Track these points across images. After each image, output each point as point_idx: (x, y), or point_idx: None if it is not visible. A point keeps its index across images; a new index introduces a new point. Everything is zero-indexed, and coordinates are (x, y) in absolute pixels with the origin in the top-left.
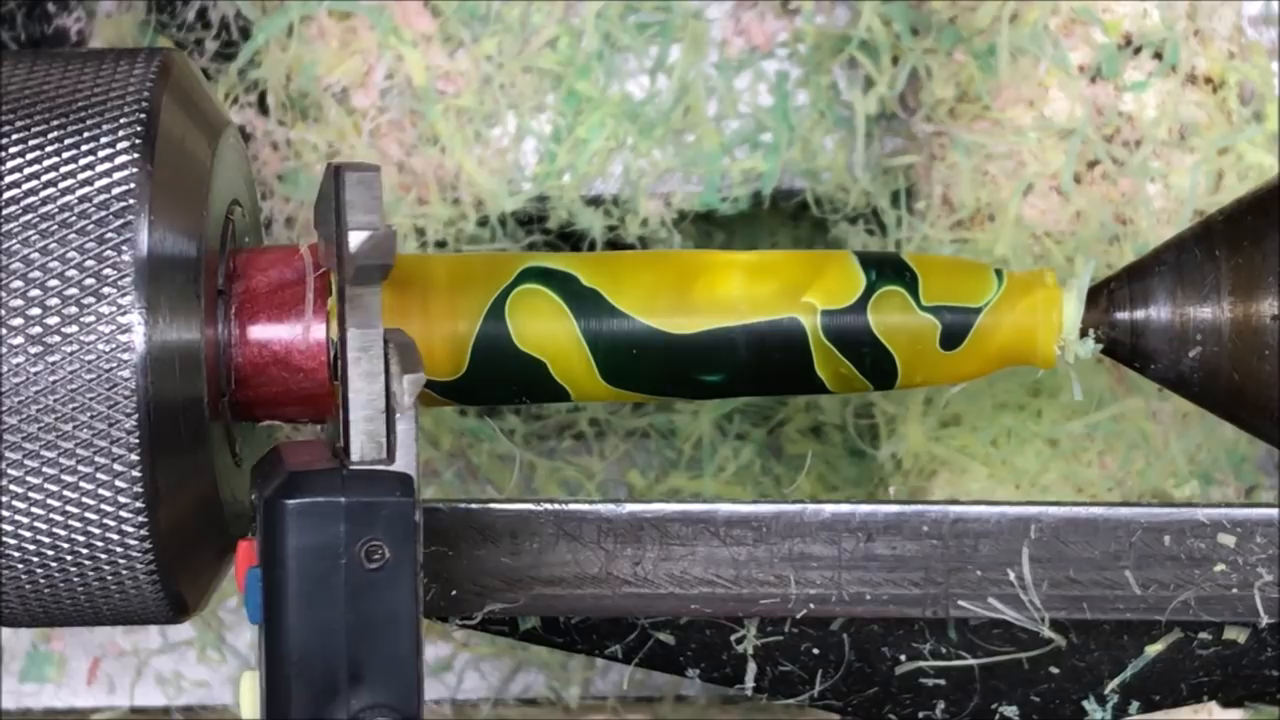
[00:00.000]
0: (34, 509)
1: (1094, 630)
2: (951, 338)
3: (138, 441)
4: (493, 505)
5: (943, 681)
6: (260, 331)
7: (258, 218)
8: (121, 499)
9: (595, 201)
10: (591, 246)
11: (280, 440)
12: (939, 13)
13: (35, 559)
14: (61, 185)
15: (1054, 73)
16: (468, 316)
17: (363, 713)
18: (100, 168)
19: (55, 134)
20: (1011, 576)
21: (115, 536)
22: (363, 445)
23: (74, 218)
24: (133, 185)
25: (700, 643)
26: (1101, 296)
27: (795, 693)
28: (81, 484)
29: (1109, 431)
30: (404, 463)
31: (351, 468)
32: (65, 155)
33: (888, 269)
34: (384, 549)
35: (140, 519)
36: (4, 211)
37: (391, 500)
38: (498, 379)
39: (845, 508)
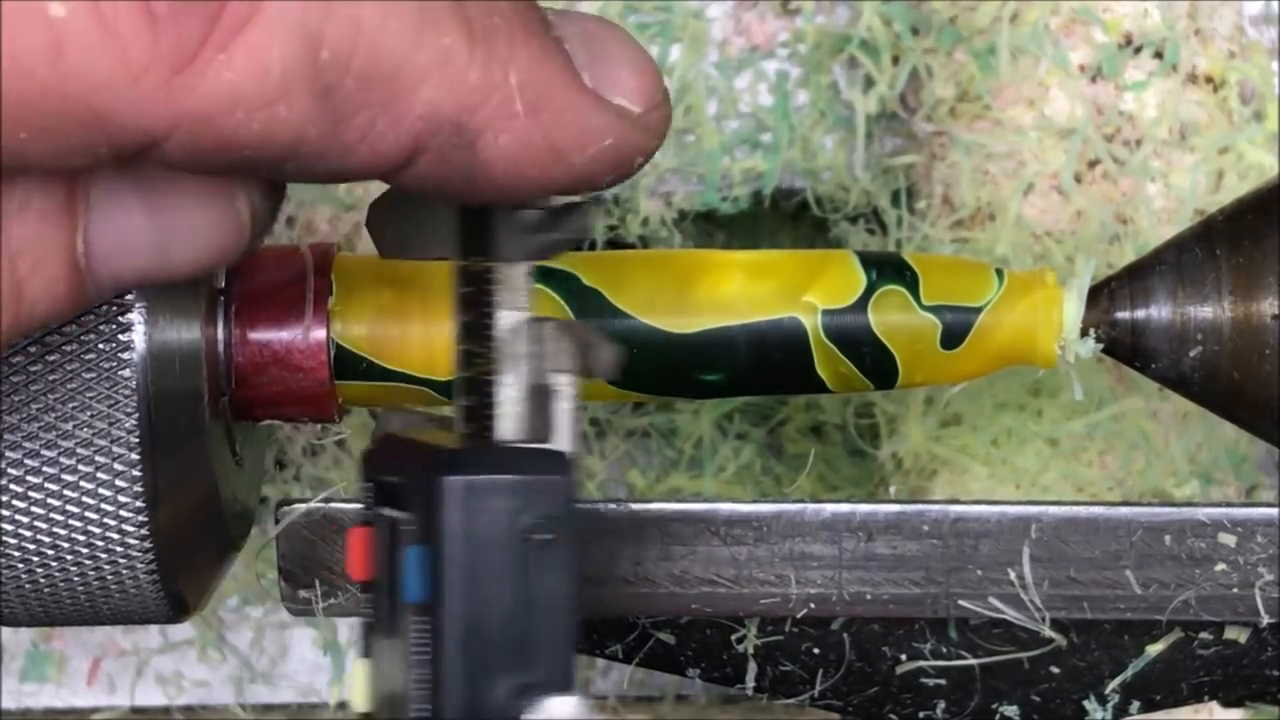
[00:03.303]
0: (34, 509)
1: (1094, 630)
2: (952, 337)
3: (138, 441)
4: None
5: (943, 681)
6: (260, 331)
7: None
8: (121, 499)
9: (595, 201)
10: (592, 246)
11: (278, 434)
12: (939, 13)
13: (35, 559)
14: None
15: (1054, 72)
16: None
17: (523, 690)
18: None
19: None
20: (1012, 576)
21: (115, 536)
22: (514, 424)
23: None
24: None
25: (700, 642)
26: (1102, 296)
27: (795, 692)
28: (81, 484)
29: (1109, 431)
30: (564, 441)
31: (515, 445)
32: None
33: (888, 268)
34: (548, 526)
35: (140, 519)
36: None
37: (556, 478)
38: None
39: (845, 507)
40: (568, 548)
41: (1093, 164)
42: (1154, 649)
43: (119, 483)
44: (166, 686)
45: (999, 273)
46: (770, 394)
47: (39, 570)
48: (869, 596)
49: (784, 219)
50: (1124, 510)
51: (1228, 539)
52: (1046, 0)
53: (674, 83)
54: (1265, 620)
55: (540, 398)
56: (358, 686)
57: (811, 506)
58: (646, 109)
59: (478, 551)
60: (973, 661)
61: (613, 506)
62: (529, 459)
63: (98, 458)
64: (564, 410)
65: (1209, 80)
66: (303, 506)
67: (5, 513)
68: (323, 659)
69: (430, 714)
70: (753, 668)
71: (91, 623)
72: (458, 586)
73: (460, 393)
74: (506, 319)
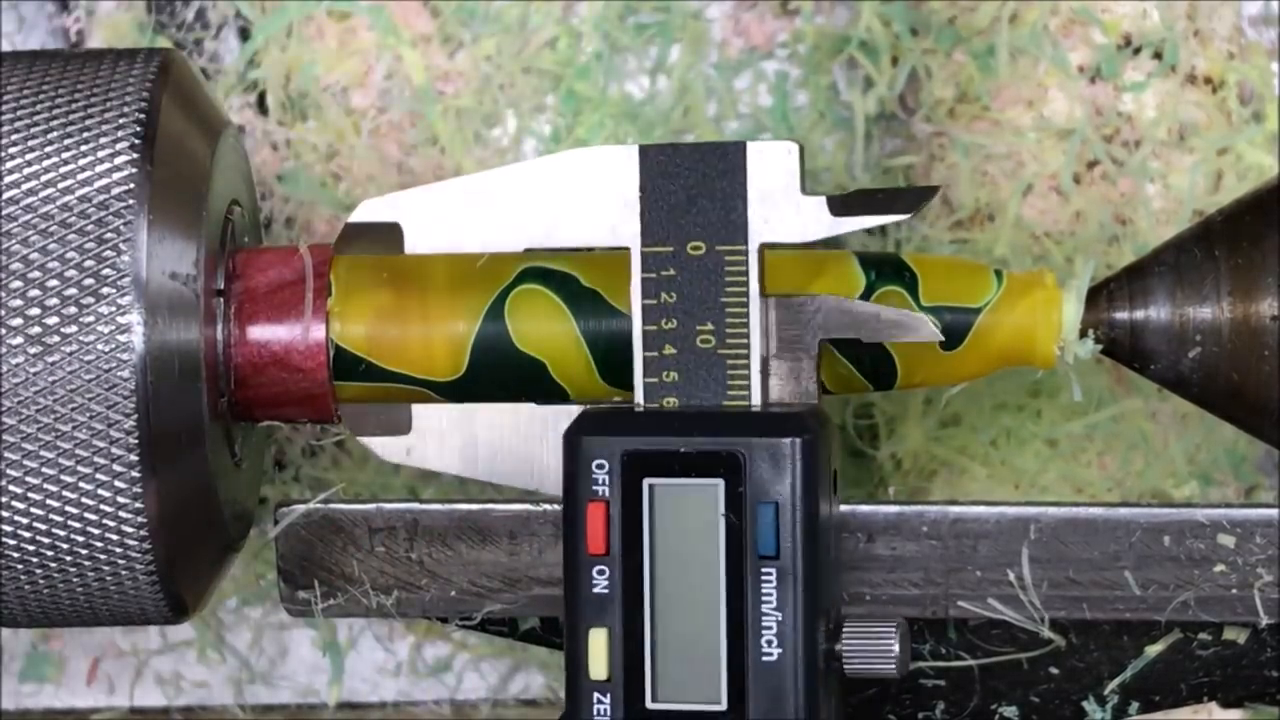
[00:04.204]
0: (34, 509)
1: (1094, 630)
2: (951, 338)
3: (137, 441)
4: (492, 505)
5: (943, 681)
6: (259, 332)
7: (257, 218)
8: (121, 499)
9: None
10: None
11: (277, 434)
12: (939, 13)
13: (35, 559)
14: (61, 185)
15: (1054, 73)
16: (467, 316)
17: (835, 625)
18: (100, 168)
19: (55, 134)
20: (1011, 577)
21: (115, 536)
22: (776, 389)
23: (73, 218)
24: (132, 185)
25: None
26: (1101, 297)
27: None
28: (81, 484)
29: (1109, 431)
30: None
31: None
32: (65, 155)
33: (887, 269)
34: (838, 483)
35: (140, 519)
36: (4, 212)
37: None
38: (497, 379)
39: (845, 508)
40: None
41: (1092, 165)
42: (1153, 650)
43: (118, 483)
44: (166, 687)
45: (998, 274)
46: None
47: (38, 571)
48: (868, 597)
49: None
50: (1123, 511)
51: (1227, 540)
52: (1046, 1)
53: (674, 83)
54: (1264, 621)
55: (791, 363)
56: (597, 654)
57: None
58: None
59: (812, 505)
60: (972, 662)
61: None
62: (817, 417)
63: (97, 459)
64: (808, 373)
65: (1208, 81)
66: (302, 507)
67: (5, 514)
68: (322, 660)
69: (780, 651)
70: None
71: (91, 624)
72: (807, 545)
73: (698, 366)
74: (755, 292)
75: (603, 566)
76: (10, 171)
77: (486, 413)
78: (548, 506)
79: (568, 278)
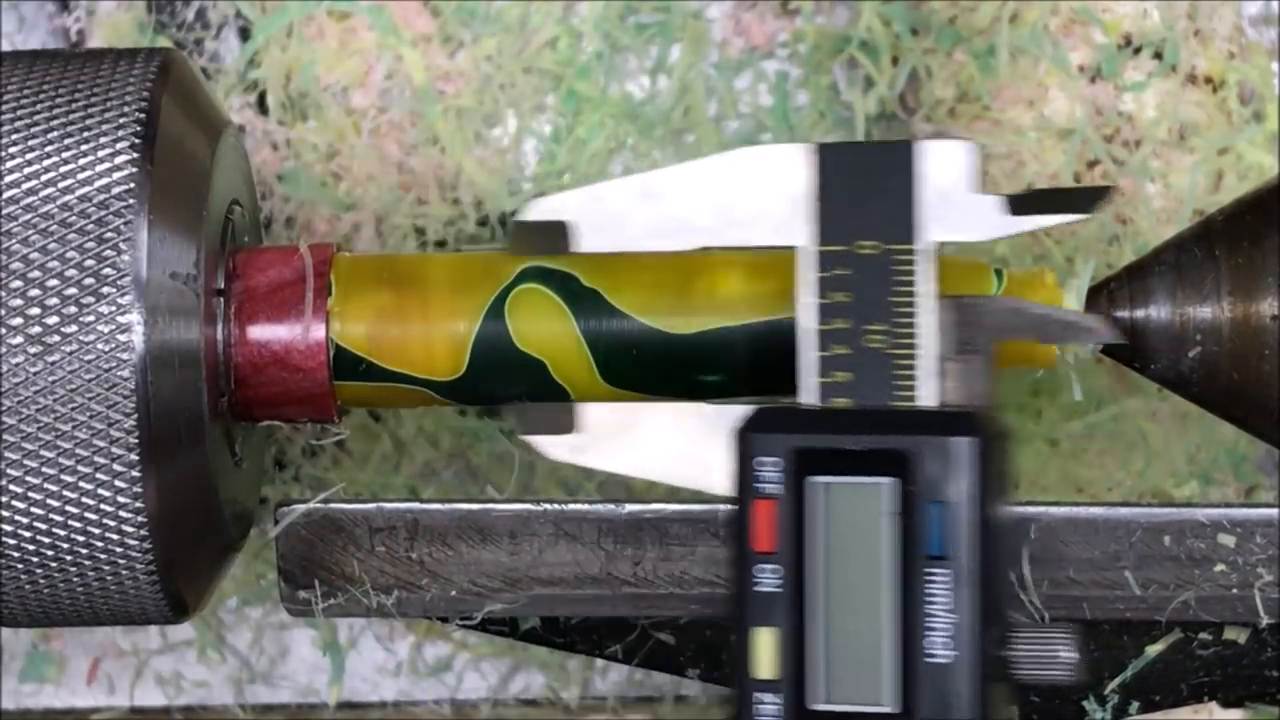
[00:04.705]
0: (34, 509)
1: (1094, 630)
2: None
3: (137, 441)
4: (492, 505)
5: None
6: (260, 331)
7: (257, 218)
8: (121, 499)
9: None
10: None
11: (277, 434)
12: (939, 13)
13: (35, 559)
14: (61, 185)
15: (1054, 73)
16: (467, 316)
17: (1002, 632)
18: (100, 168)
19: (55, 134)
20: (1011, 576)
21: (115, 536)
22: (937, 391)
23: (74, 218)
24: (132, 185)
25: (700, 643)
26: (1101, 296)
27: None
28: (81, 484)
29: (1109, 431)
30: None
31: (955, 408)
32: (65, 155)
33: None
34: (1006, 484)
35: (140, 519)
36: (4, 211)
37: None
38: (497, 379)
39: None
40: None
41: (1092, 164)
42: (1153, 649)
43: (118, 483)
44: (166, 687)
45: (998, 273)
46: (770, 395)
47: (38, 571)
48: None
49: None
50: (1123, 511)
51: (1227, 539)
52: (1046, 0)
53: (674, 83)
54: (1265, 621)
55: (964, 364)
56: (764, 653)
57: None
58: None
59: (985, 506)
60: None
61: (612, 507)
62: (990, 418)
63: (97, 458)
64: (981, 374)
65: (1208, 81)
66: (302, 507)
67: (5, 514)
68: (322, 660)
69: (955, 654)
70: None
71: (91, 623)
72: (972, 539)
73: (862, 365)
74: (927, 292)
75: (770, 565)
76: (10, 171)
77: (654, 411)
78: (548, 506)
79: (568, 278)
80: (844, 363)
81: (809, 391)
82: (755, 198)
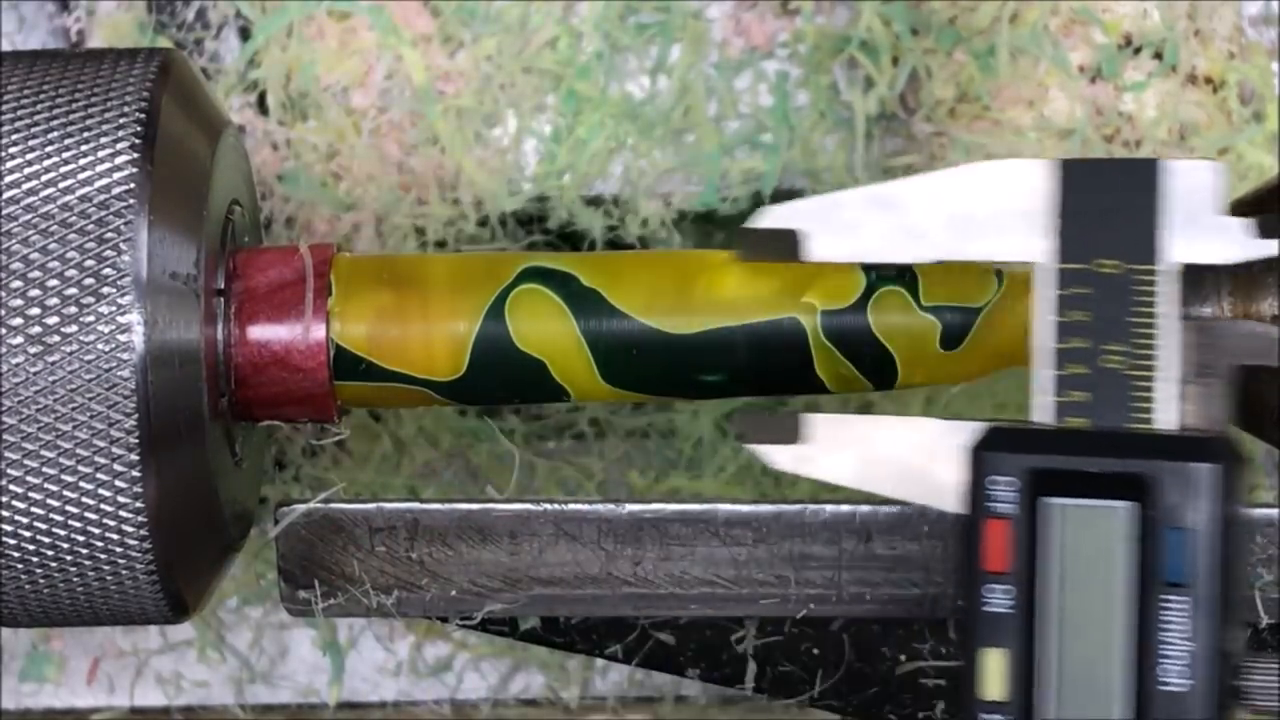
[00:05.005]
0: (34, 509)
1: None
2: (952, 338)
3: (137, 441)
4: (492, 505)
5: (943, 681)
6: (260, 331)
7: (258, 218)
8: (121, 499)
9: (595, 201)
10: (591, 246)
11: (278, 434)
12: (939, 13)
13: (35, 559)
14: (61, 185)
15: (1054, 73)
16: (467, 316)
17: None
18: (100, 168)
19: (55, 134)
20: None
21: (115, 536)
22: (1176, 414)
23: (74, 218)
24: (132, 185)
25: (700, 643)
26: None
27: (795, 693)
28: (81, 484)
29: None
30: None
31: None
32: (65, 155)
33: (888, 269)
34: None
35: (140, 519)
36: (4, 212)
37: (1245, 463)
38: (497, 379)
39: (845, 508)
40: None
41: None
42: None
43: (118, 483)
44: (166, 687)
45: (999, 273)
46: (770, 395)
47: (38, 571)
48: (868, 597)
49: None
50: None
51: None
52: (1046, 0)
53: (674, 83)
54: (1264, 621)
55: (1204, 388)
56: (993, 674)
57: (811, 507)
58: None
59: (1227, 533)
60: None
61: (612, 507)
62: (1231, 444)
63: (97, 458)
64: (1220, 398)
65: (1208, 81)
66: (302, 507)
67: (5, 513)
68: (322, 660)
69: (1191, 683)
70: (752, 668)
71: (91, 623)
72: (1212, 567)
73: (1099, 386)
74: (1169, 313)
75: (1001, 585)
76: (10, 171)
77: (882, 424)
78: (548, 506)
79: (568, 277)
80: (1080, 382)
81: (1043, 410)
82: (994, 211)
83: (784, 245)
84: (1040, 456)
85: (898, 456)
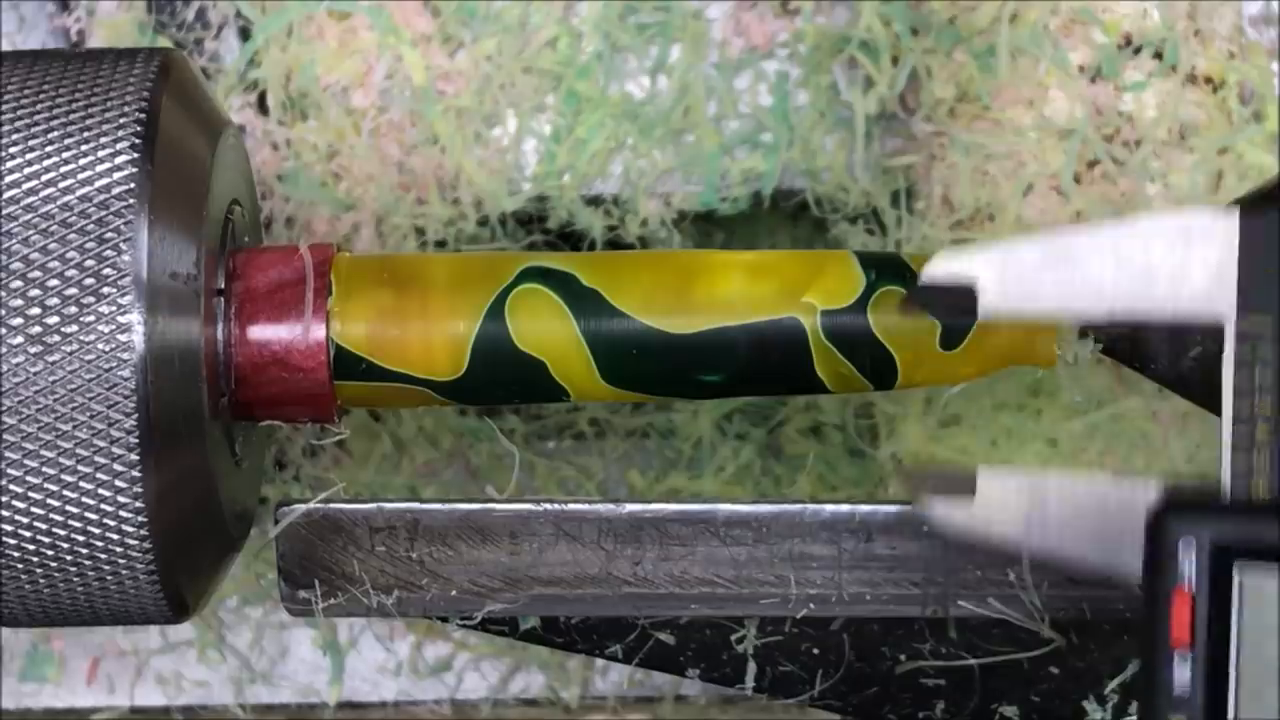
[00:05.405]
0: (34, 509)
1: (1094, 630)
2: (951, 338)
3: (137, 441)
4: (492, 505)
5: (943, 681)
6: (260, 331)
7: (258, 218)
8: (121, 499)
9: (595, 201)
10: (591, 246)
11: (278, 434)
12: (939, 13)
13: (35, 559)
14: (61, 185)
15: (1054, 73)
16: (467, 316)
17: None
18: (100, 168)
19: (55, 134)
20: (1011, 577)
21: (115, 536)
22: None
23: (74, 217)
24: (132, 185)
25: (700, 643)
26: None
27: (795, 693)
28: (81, 484)
29: (1109, 431)
30: None
31: None
32: (65, 155)
33: (888, 269)
34: None
35: (140, 519)
36: (4, 211)
37: None
38: (497, 379)
39: (845, 508)
40: None
41: (1092, 164)
42: None
43: (118, 483)
44: (166, 687)
45: None
46: (770, 395)
47: (38, 571)
48: (868, 597)
49: (783, 219)
50: None
51: None
52: (1046, 0)
53: (674, 83)
54: None
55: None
56: None
57: (811, 507)
58: None
59: None
60: (972, 662)
61: (612, 507)
62: None
63: (97, 458)
64: None
65: (1208, 81)
66: (302, 507)
67: (5, 513)
68: (322, 659)
69: None
70: (752, 668)
71: (91, 623)
72: None
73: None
74: None
75: (1184, 657)
76: (10, 171)
77: (1061, 485)
78: (548, 506)
79: (568, 277)
80: (1266, 446)
81: (1227, 475)
82: (1174, 266)
83: (962, 300)
84: (1224, 525)
85: (1078, 520)
